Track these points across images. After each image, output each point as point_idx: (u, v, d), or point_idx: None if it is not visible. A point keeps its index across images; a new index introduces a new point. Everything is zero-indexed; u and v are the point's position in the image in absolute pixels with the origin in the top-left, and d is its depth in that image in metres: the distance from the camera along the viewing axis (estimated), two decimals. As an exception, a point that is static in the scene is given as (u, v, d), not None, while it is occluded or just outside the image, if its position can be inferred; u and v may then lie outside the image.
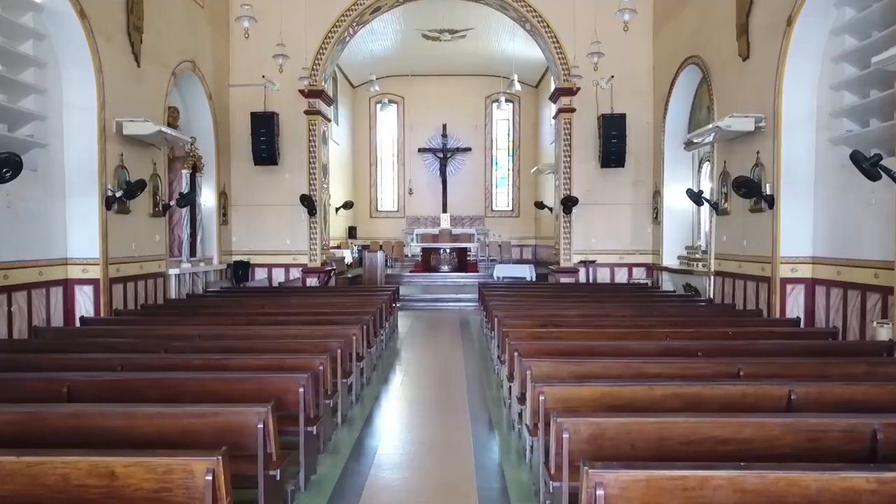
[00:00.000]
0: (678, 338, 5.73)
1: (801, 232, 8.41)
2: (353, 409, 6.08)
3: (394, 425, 5.72)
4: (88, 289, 8.67)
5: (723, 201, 10.15)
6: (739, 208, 9.57)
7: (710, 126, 9.57)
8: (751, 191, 8.70)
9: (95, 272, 8.66)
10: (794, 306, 8.51)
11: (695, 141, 10.45)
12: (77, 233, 8.60)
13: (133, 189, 8.89)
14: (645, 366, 4.43)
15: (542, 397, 3.70)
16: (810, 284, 8.37)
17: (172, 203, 10.63)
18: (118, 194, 8.83)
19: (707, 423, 2.96)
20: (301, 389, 3.90)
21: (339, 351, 5.27)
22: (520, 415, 5.01)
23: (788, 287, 8.53)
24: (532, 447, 4.05)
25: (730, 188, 9.89)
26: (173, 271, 10.83)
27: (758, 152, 8.98)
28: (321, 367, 4.57)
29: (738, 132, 9.14)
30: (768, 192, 8.59)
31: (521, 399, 4.69)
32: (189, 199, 10.69)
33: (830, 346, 5.64)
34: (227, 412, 3.23)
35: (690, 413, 3.03)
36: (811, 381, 3.91)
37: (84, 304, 8.63)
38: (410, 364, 8.38)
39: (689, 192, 10.75)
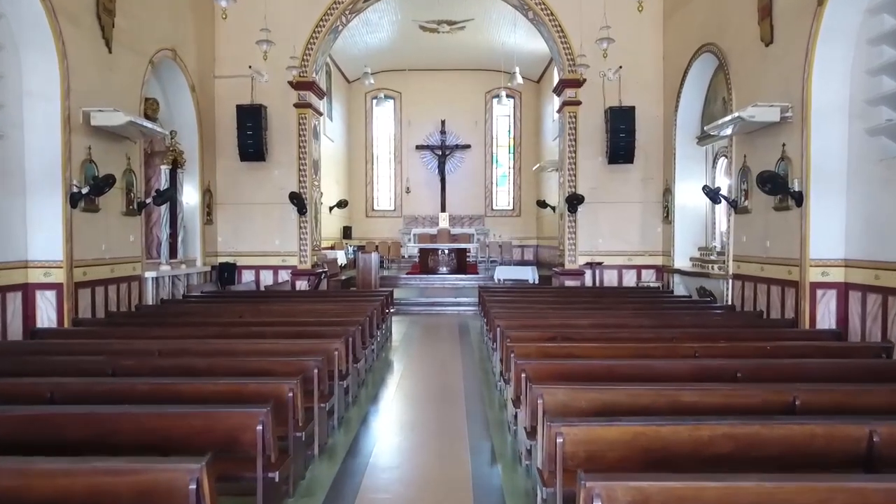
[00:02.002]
0: (709, 354, 4.98)
1: (832, 231, 7.66)
2: (336, 435, 5.32)
3: (382, 456, 4.95)
4: (51, 294, 7.90)
5: (742, 199, 9.39)
6: (762, 206, 8.81)
7: (730, 117, 8.81)
8: (777, 187, 7.95)
9: (59, 276, 7.90)
10: (825, 313, 7.75)
11: (712, 133, 9.72)
12: (38, 233, 7.83)
13: (100, 185, 8.12)
14: (679, 393, 3.67)
15: (559, 439, 2.94)
16: (843, 289, 7.62)
17: (148, 201, 9.86)
18: (84, 191, 8.06)
19: (789, 489, 2.19)
20: (259, 427, 3.14)
21: (315, 371, 4.51)
22: (529, 451, 4.25)
23: (819, 292, 7.78)
24: (546, 501, 3.29)
25: (751, 184, 9.15)
26: (150, 274, 10.06)
27: (783, 145, 8.23)
28: (290, 394, 3.81)
29: (761, 123, 8.40)
30: (796, 189, 7.83)
31: (532, 433, 3.93)
32: (166, 197, 9.92)
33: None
34: (153, 469, 2.47)
35: (763, 476, 2.27)
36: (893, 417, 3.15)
37: (46, 311, 7.88)
38: (404, 378, 7.61)
39: (706, 189, 10.00)
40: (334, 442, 5.16)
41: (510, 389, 5.12)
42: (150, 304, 9.80)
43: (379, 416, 6.02)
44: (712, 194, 9.83)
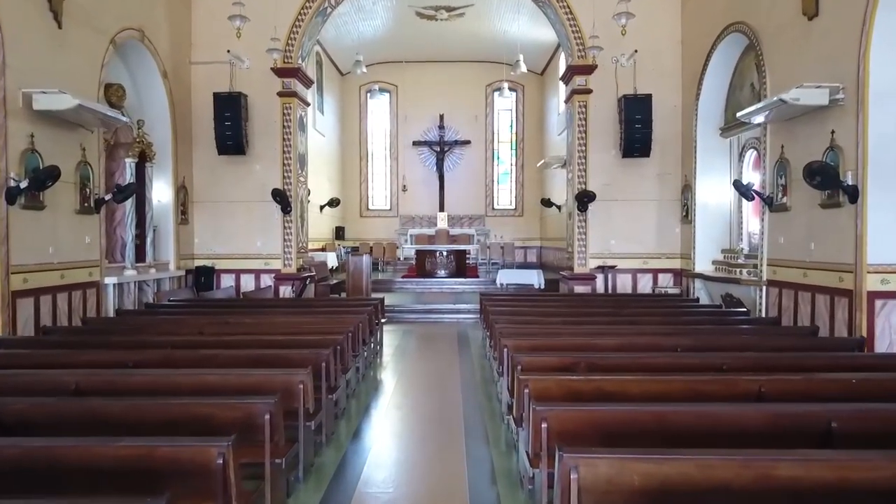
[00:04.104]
0: (780, 391, 3.87)
1: (894, 232, 6.57)
2: (299, 491, 4.18)
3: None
4: (-18, 305, 6.79)
5: (780, 195, 8.27)
6: (804, 203, 7.70)
7: (769, 101, 7.69)
8: (828, 180, 6.83)
9: (-9, 284, 6.78)
10: (885, 327, 6.66)
11: (744, 121, 8.61)
12: (-33, 234, 6.72)
13: (42, 178, 7.00)
14: (775, 467, 2.55)
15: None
16: (907, 300, 6.52)
17: (108, 197, 8.74)
18: (23, 185, 6.94)
19: None
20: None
21: (267, 417, 3.39)
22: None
23: (878, 303, 6.68)
24: None
25: (790, 178, 8.04)
26: (110, 280, 8.93)
27: (832, 132, 7.11)
28: (220, 461, 2.69)
29: (805, 107, 7.29)
30: (849, 182, 6.72)
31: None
32: (128, 193, 8.79)
33: None
34: None
35: None
36: None
37: (-24, 324, 6.76)
38: (391, 407, 6.42)
39: (737, 184, 8.89)
40: (297, 501, 4.04)
41: (524, 436, 3.99)
42: (110, 314, 8.68)
43: (355, 464, 4.88)
44: (744, 190, 8.71)
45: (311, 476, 4.45)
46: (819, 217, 7.41)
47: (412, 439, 5.54)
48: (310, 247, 14.31)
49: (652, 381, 3.99)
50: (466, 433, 5.45)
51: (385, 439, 5.44)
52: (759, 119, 8.42)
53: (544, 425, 3.25)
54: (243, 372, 4.23)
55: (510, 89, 19.72)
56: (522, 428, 4.06)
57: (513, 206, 22.21)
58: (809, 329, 6.54)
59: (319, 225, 18.40)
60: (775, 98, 7.39)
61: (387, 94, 21.86)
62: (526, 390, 3.91)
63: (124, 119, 8.94)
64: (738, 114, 8.64)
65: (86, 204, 8.39)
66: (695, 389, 3.99)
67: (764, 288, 8.65)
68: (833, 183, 6.83)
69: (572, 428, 3.28)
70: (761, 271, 8.74)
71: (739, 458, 2.55)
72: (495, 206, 22.19)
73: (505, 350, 5.34)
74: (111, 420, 3.46)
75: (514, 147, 22.20)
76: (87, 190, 8.43)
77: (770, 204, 8.48)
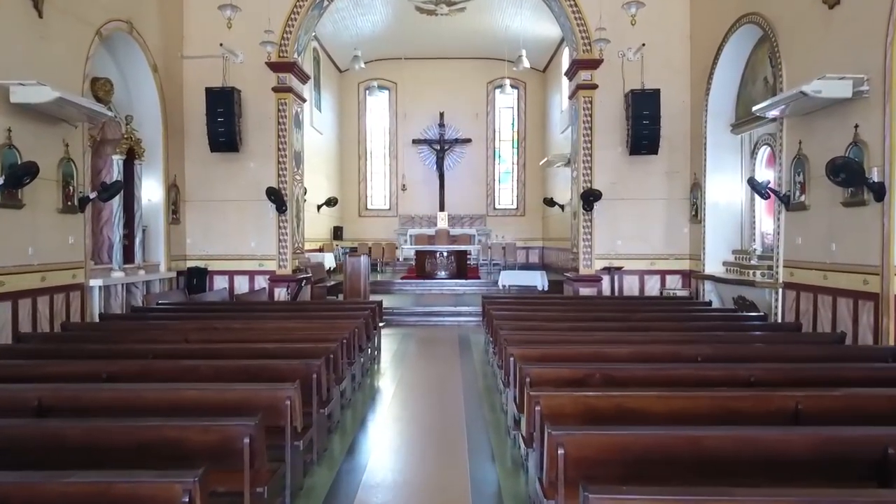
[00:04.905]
0: (823, 411, 3.48)
1: (924, 232, 6.18)
2: (287, 520, 3.79)
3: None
4: (-46, 310, 6.40)
5: (797, 193, 7.88)
6: (825, 201, 7.31)
7: (788, 94, 7.30)
8: (852, 177, 6.44)
9: (-36, 287, 6.39)
10: (914, 334, 6.26)
11: (760, 115, 8.22)
12: (-62, 234, 6.34)
13: (19, 175, 6.60)
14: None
15: None
16: (937, 304, 6.12)
17: (93, 195, 8.33)
18: (-1, 182, 6.55)
19: None
20: None
21: (247, 441, 2.99)
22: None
23: (906, 308, 6.28)
24: None
25: (808, 175, 7.66)
26: (96, 282, 8.53)
27: (856, 126, 6.72)
28: (186, 499, 2.30)
29: (826, 100, 6.90)
30: (875, 179, 6.32)
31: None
32: (114, 191, 8.40)
33: None
34: None
35: None
36: None
37: (-52, 330, 6.37)
38: (389, 419, 6.01)
39: (752, 182, 8.50)
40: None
41: (535, 458, 3.60)
42: (96, 318, 8.29)
43: (355, 482, 4.49)
44: (759, 188, 8.32)
45: (300, 501, 4.05)
46: (841, 216, 7.02)
47: (411, 456, 5.14)
48: (307, 247, 13.92)
49: (676, 398, 3.59)
50: (470, 448, 5.05)
51: (382, 456, 5.03)
52: (775, 113, 8.04)
53: (561, 451, 2.85)
54: (224, 387, 3.83)
55: (512, 86, 19.30)
56: (533, 449, 3.67)
57: (514, 206, 21.81)
58: (835, 336, 6.14)
59: (317, 225, 18.00)
60: (795, 90, 6.98)
61: (386, 92, 21.45)
62: (537, 408, 3.52)
63: (109, 113, 8.55)
64: (754, 108, 8.24)
65: (69, 202, 7.99)
66: (724, 406, 3.60)
67: (780, 290, 8.26)
68: (858, 180, 6.44)
69: (593, 455, 2.89)
70: (777, 273, 8.35)
71: (802, 499, 2.15)
72: (496, 206, 21.79)
73: (511, 359, 4.95)
74: (71, 445, 3.07)
75: (515, 145, 21.80)
76: (71, 188, 8.03)
77: (787, 202, 8.09)
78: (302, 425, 3.91)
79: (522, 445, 4.07)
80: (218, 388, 3.81)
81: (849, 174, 6.43)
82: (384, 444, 5.32)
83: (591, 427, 3.00)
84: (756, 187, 8.32)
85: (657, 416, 3.52)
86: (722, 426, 3.15)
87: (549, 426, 2.87)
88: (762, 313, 8.05)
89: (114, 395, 3.75)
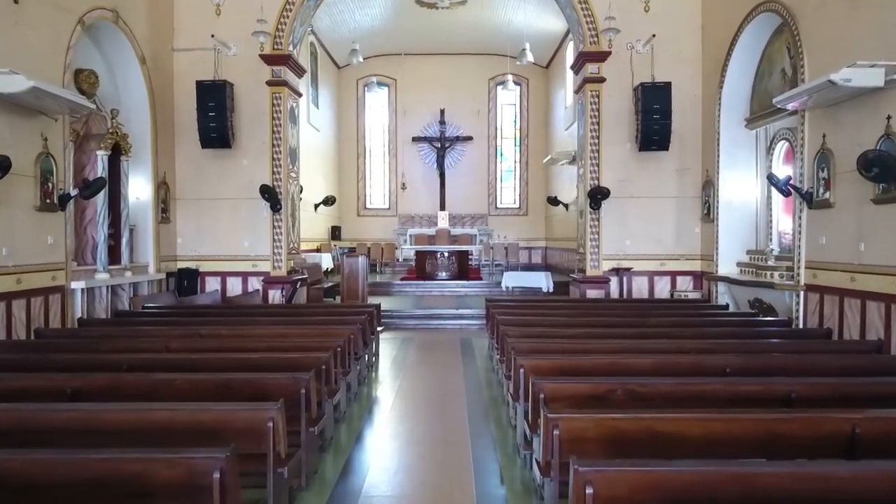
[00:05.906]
0: (886, 436, 3.01)
1: (965, 232, 5.74)
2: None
3: None
4: (-81, 316, 5.93)
5: (821, 190, 7.41)
6: (852, 198, 6.85)
7: (814, 83, 6.82)
8: (887, 172, 5.98)
9: (-70, 291, 5.93)
10: (954, 341, 5.81)
11: (781, 107, 7.75)
12: None
13: (-12, 170, 6.14)
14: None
15: None
16: (980, 309, 5.67)
17: (74, 193, 7.87)
18: (-33, 178, 6.09)
19: None
20: None
21: (216, 476, 2.53)
22: None
23: (945, 313, 5.83)
24: None
25: (833, 171, 7.19)
26: (78, 284, 8.07)
27: (888, 117, 6.26)
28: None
29: (855, 90, 6.44)
30: (911, 174, 5.87)
31: None
32: (96, 189, 7.94)
33: None
34: None
35: None
36: None
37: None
38: (387, 437, 5.54)
39: (771, 178, 8.04)
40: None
41: (551, 489, 3.14)
42: (76, 323, 7.82)
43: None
44: (779, 184, 7.85)
45: (286, 533, 3.60)
46: (871, 214, 6.56)
47: (412, 477, 4.67)
48: (303, 247, 13.47)
49: (715, 421, 3.13)
50: (475, 469, 4.58)
51: (379, 477, 4.56)
52: (796, 105, 7.57)
53: (590, 491, 2.39)
54: (198, 406, 3.36)
55: (514, 82, 18.81)
56: (551, 479, 3.21)
57: (517, 205, 21.35)
58: (873, 344, 5.67)
59: (315, 224, 17.55)
60: (822, 79, 6.51)
61: (385, 88, 20.98)
62: (555, 432, 3.06)
63: (91, 105, 8.09)
64: (775, 99, 7.77)
65: (48, 200, 7.52)
66: (768, 430, 3.14)
67: (802, 293, 7.79)
68: (893, 175, 5.98)
69: (627, 494, 2.43)
70: (798, 274, 7.88)
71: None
72: (498, 205, 21.32)
73: (521, 371, 4.49)
74: (13, 482, 2.61)
75: (518, 143, 21.33)
76: (50, 185, 7.57)
77: (809, 200, 7.62)
78: (286, 450, 3.45)
79: (537, 473, 3.62)
80: (191, 408, 3.35)
81: (882, 168, 5.97)
82: (382, 463, 4.85)
83: (625, 462, 2.53)
84: (776, 184, 7.86)
85: (694, 442, 3.06)
86: (778, 462, 2.68)
87: (574, 461, 2.41)
88: (784, 318, 7.58)
89: (72, 416, 3.29)
